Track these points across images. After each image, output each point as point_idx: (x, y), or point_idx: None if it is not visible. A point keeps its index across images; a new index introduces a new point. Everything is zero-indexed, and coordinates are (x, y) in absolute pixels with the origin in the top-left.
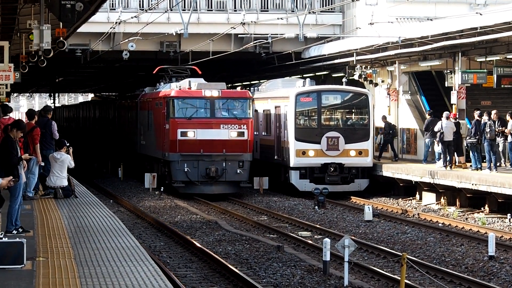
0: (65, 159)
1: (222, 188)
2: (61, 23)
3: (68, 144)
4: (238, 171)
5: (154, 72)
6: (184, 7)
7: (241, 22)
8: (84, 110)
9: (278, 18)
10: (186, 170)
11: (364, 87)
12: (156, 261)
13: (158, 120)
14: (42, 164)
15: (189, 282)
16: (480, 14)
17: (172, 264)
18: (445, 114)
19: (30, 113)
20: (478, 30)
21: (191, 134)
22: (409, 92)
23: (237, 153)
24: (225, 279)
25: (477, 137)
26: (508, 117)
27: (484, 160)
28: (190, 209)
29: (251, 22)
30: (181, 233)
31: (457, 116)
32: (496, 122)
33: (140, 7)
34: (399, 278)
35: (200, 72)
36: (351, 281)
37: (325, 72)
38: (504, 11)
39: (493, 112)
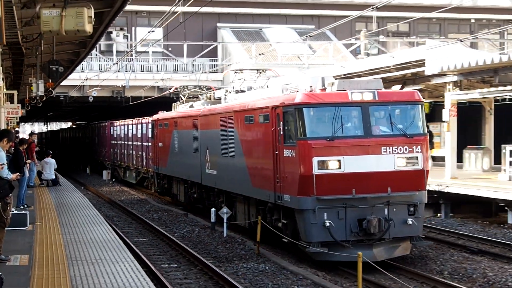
0: (51, 162)
1: (388, 250)
2: (50, 79)
3: (51, 153)
4: (410, 221)
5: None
6: (127, 69)
7: (161, 79)
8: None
9: (183, 76)
10: (328, 224)
11: None
12: (110, 224)
13: (260, 144)
14: (38, 164)
15: (129, 236)
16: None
17: (120, 225)
18: None
19: (30, 134)
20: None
21: (334, 164)
22: None
23: (407, 192)
24: (152, 233)
25: None
26: None
27: None
28: (130, 192)
29: (167, 78)
30: (125, 206)
31: None
32: None
33: (99, 69)
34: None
35: (278, 75)
36: (228, 234)
37: None
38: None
39: None
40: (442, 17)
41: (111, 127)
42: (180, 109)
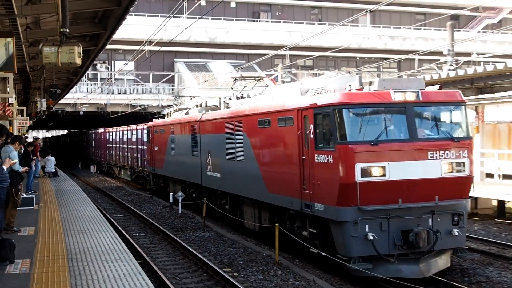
0: (51, 159)
1: (433, 264)
2: (50, 99)
3: (50, 152)
4: (455, 232)
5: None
6: (108, 92)
7: (133, 99)
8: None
9: (149, 97)
10: (371, 237)
11: None
12: (95, 204)
13: (279, 148)
14: (41, 160)
15: (110, 213)
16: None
17: (103, 205)
18: None
19: (34, 139)
20: None
21: (378, 171)
22: None
23: (454, 200)
24: (126, 211)
25: None
26: None
27: None
28: (111, 180)
29: (138, 98)
30: (106, 191)
31: None
32: None
33: (88, 91)
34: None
35: (275, 83)
36: (183, 211)
37: None
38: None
39: None
40: (336, 55)
41: (107, 133)
42: (175, 117)
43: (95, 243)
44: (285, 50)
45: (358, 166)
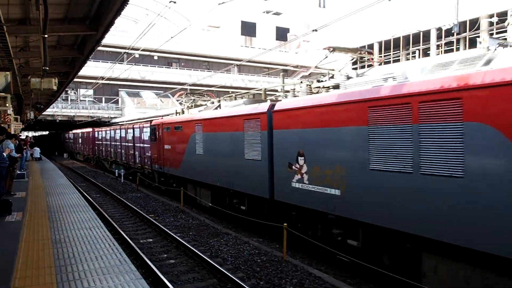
0: (37, 149)
1: None
2: (36, 111)
3: (35, 144)
4: None
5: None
6: (75, 108)
7: (92, 113)
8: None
9: (103, 111)
10: None
11: None
12: (67, 177)
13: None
14: (30, 149)
15: (76, 182)
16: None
17: (72, 178)
18: None
19: (25, 136)
20: None
21: None
22: None
23: None
24: (88, 181)
25: None
26: None
27: None
28: (87, 166)
29: (95, 112)
30: (74, 169)
31: None
32: None
33: (62, 107)
34: None
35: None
36: (124, 181)
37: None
38: None
39: None
40: (218, 90)
41: (95, 132)
42: (194, 112)
43: (66, 201)
44: (187, 86)
45: None
